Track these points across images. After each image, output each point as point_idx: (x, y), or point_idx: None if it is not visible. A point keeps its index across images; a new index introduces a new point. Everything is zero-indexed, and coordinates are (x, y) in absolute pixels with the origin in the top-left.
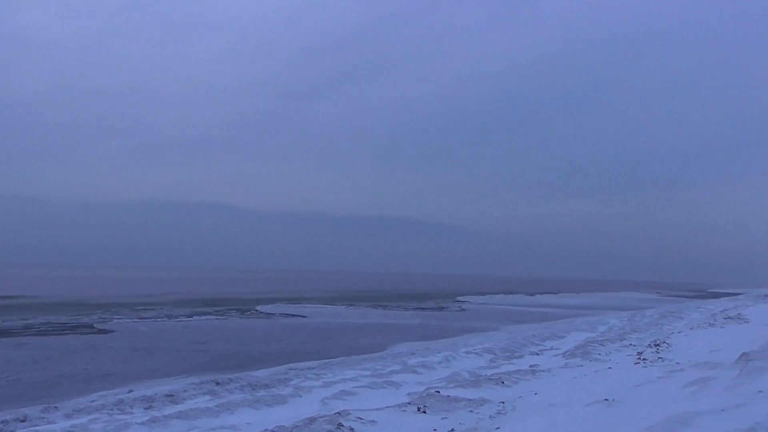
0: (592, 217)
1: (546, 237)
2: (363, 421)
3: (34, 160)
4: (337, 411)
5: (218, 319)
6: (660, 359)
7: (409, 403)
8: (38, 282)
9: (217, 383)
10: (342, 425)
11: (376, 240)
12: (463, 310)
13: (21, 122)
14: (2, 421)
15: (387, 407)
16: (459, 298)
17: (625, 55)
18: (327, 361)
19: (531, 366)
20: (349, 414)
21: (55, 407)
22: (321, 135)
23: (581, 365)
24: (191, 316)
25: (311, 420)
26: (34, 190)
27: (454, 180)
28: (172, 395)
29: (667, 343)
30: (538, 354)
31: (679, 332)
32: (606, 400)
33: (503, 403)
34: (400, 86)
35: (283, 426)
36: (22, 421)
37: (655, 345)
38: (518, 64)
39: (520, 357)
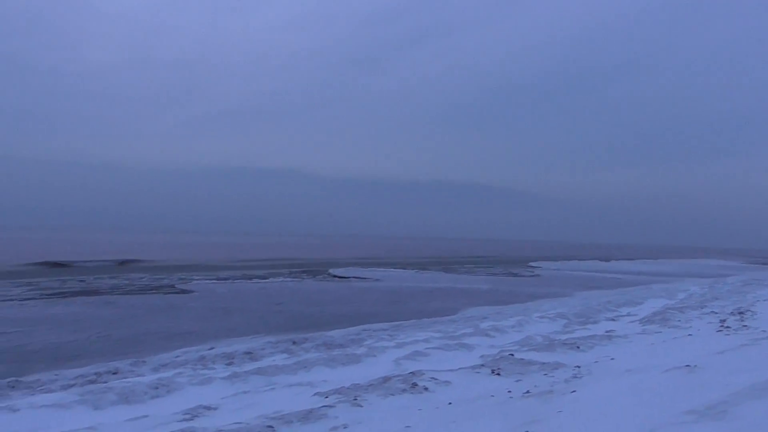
0: (669, 184)
1: (622, 203)
2: (437, 381)
3: (109, 128)
4: (410, 371)
5: (292, 281)
6: (744, 327)
7: (482, 365)
8: (120, 245)
9: (293, 342)
10: (416, 384)
11: (445, 205)
12: (535, 275)
13: (96, 92)
14: (96, 373)
15: (460, 368)
16: (531, 264)
17: (689, 17)
18: (398, 323)
19: (607, 332)
20: (423, 374)
21: (143, 361)
22: (386, 101)
23: (659, 332)
24: (266, 278)
25: (386, 379)
26: (111, 157)
27: (522, 146)
28: (251, 353)
29: (752, 311)
30: (613, 320)
31: (765, 300)
32: (687, 366)
33: (578, 367)
34: (463, 52)
35: (358, 384)
36: (114, 373)
37: (739, 313)
38: (585, 27)
39: (595, 323)
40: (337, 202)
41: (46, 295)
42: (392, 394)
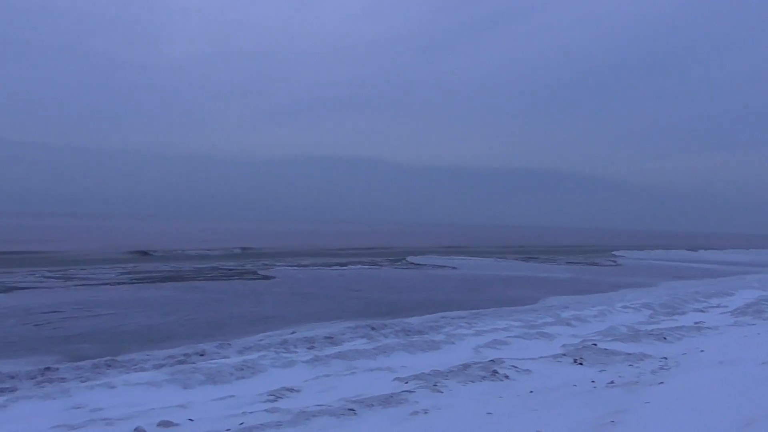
0: (762, 170)
1: (712, 190)
2: (518, 369)
3: (194, 121)
4: (490, 358)
5: (371, 268)
6: None
7: (564, 354)
8: (204, 233)
9: (372, 328)
10: (497, 372)
11: (524, 193)
12: (618, 264)
13: (181, 86)
14: (184, 354)
15: (541, 357)
16: (614, 253)
17: None
18: (477, 311)
19: (695, 323)
20: (503, 362)
21: (228, 344)
22: (462, 87)
23: (753, 324)
24: (345, 265)
25: (465, 366)
26: (196, 149)
27: (605, 130)
28: (331, 337)
29: None
30: (702, 311)
31: None
32: None
33: (666, 358)
34: (541, 34)
35: (438, 370)
36: (201, 355)
37: None
38: (672, 2)
39: (682, 313)
40: (415, 190)
41: (138, 279)
42: (472, 381)
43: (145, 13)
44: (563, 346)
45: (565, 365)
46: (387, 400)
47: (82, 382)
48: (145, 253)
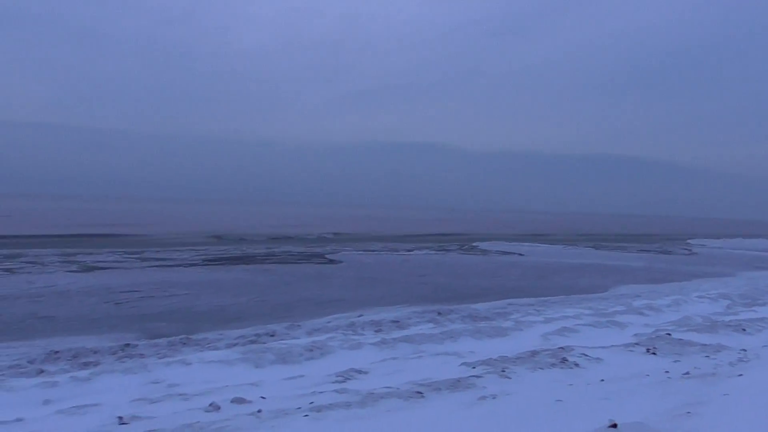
0: None
1: None
2: (588, 357)
3: (263, 107)
4: (559, 346)
5: (437, 253)
6: None
7: (636, 344)
8: (274, 218)
9: (439, 313)
10: (566, 360)
11: (595, 179)
12: (694, 253)
13: (251, 73)
14: (255, 334)
15: (612, 346)
16: (689, 241)
17: None
18: (545, 298)
19: None
20: (573, 349)
21: (298, 325)
22: (534, 72)
23: None
24: (411, 251)
25: (534, 353)
26: (266, 135)
27: (684, 116)
28: (398, 321)
29: None
30: None
31: None
32: None
33: (744, 350)
34: (617, 17)
35: (506, 356)
36: (271, 335)
37: None
38: None
39: (763, 305)
40: (482, 176)
41: (210, 261)
42: (541, 368)
43: (218, 4)
44: (635, 335)
45: (638, 355)
46: (454, 385)
47: (160, 358)
48: (219, 237)
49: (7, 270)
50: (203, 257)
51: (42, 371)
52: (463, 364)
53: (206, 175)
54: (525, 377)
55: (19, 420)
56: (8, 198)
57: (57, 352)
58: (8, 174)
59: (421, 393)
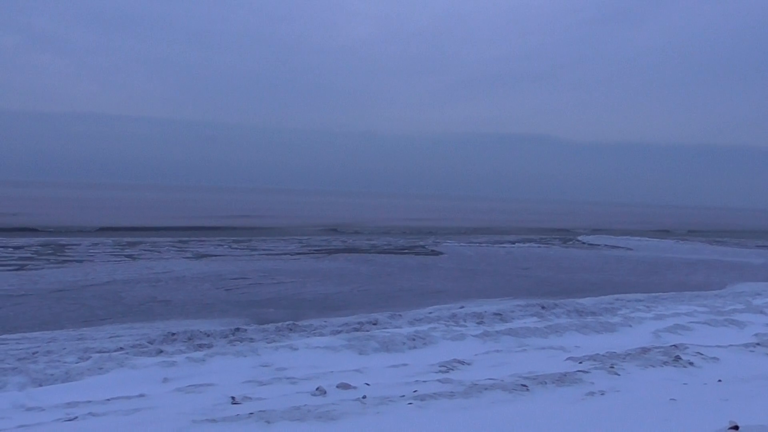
0: None
1: None
2: (703, 356)
3: (366, 99)
4: (672, 344)
5: (540, 247)
6: None
7: (757, 344)
8: (375, 209)
9: (543, 307)
10: (680, 358)
11: (711, 171)
12: None
13: (354, 66)
14: (359, 322)
15: (730, 345)
16: None
17: None
18: (656, 294)
19: None
20: (687, 348)
21: (399, 315)
22: (646, 59)
23: None
24: (514, 243)
25: (644, 350)
26: (369, 126)
27: None
28: (500, 314)
29: None
30: None
31: None
32: None
33: None
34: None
35: (614, 352)
36: (374, 324)
37: None
38: None
39: None
40: (587, 167)
41: (315, 251)
42: (652, 366)
43: (322, 1)
44: (756, 335)
45: (759, 356)
46: (560, 379)
47: (268, 343)
48: (329, 228)
49: (128, 256)
50: (307, 247)
51: (161, 351)
52: (568, 358)
53: (311, 167)
54: (635, 374)
55: (141, 396)
56: (132, 189)
57: (174, 333)
58: (134, 166)
59: (525, 386)
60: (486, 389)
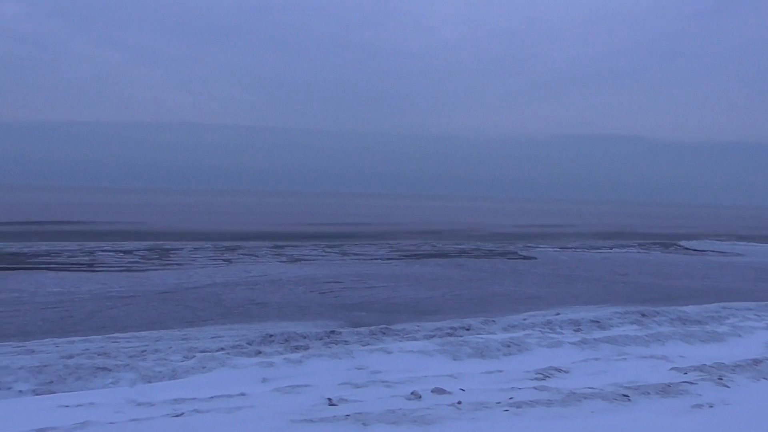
0: None
1: None
2: None
3: (448, 102)
4: None
5: (639, 252)
6: None
7: None
8: (465, 213)
9: (643, 315)
10: None
11: None
12: None
13: (436, 68)
14: (451, 327)
15: None
16: None
17: None
18: None
19: None
20: None
21: (493, 321)
22: (736, 55)
23: None
24: (611, 248)
25: (756, 361)
26: (450, 129)
27: None
28: (597, 321)
29: None
30: None
31: None
32: None
33: None
34: None
35: (722, 363)
36: (467, 329)
37: None
38: None
39: None
40: (684, 169)
41: (405, 256)
42: (765, 378)
43: (402, 5)
44: None
45: None
46: (664, 390)
47: (363, 346)
48: (418, 233)
49: (227, 260)
50: (398, 252)
51: (259, 352)
52: (673, 368)
53: (394, 172)
54: (746, 387)
55: (242, 395)
56: (223, 195)
57: (271, 335)
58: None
59: (627, 396)
60: (585, 398)
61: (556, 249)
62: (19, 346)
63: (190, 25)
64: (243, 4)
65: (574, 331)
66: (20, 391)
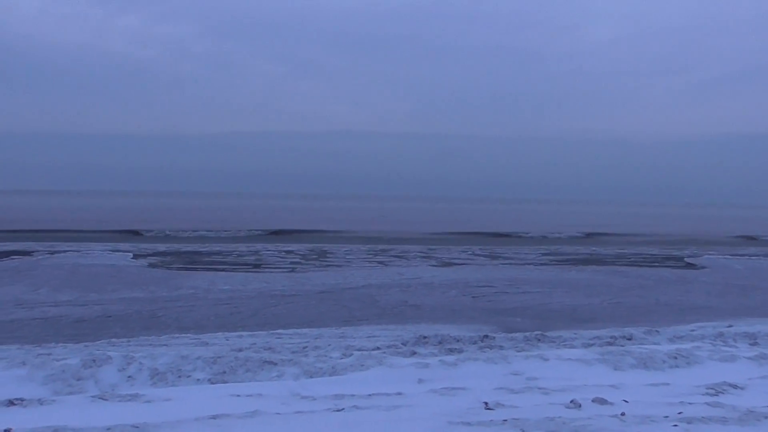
0: None
1: None
2: None
3: (613, 103)
4: None
5: None
6: None
7: None
8: (628, 218)
9: None
10: None
11: None
12: None
13: (594, 70)
14: (611, 336)
15: None
16: None
17: None
18: None
19: None
20: None
21: (656, 331)
22: None
23: None
24: None
25: None
26: (617, 132)
27: None
28: None
29: None
30: None
31: None
32: None
33: None
34: None
35: None
36: (628, 338)
37: None
38: None
39: None
40: None
41: (559, 261)
42: None
43: (563, 5)
44: None
45: None
46: None
47: (518, 351)
48: (576, 237)
49: (380, 263)
50: (550, 256)
51: (414, 353)
52: None
53: (556, 176)
54: None
55: (399, 394)
56: (381, 200)
57: (425, 337)
58: (381, 178)
59: None
60: (766, 418)
61: (726, 256)
62: (195, 339)
63: (349, 37)
64: (401, 16)
65: (750, 345)
66: (198, 380)
